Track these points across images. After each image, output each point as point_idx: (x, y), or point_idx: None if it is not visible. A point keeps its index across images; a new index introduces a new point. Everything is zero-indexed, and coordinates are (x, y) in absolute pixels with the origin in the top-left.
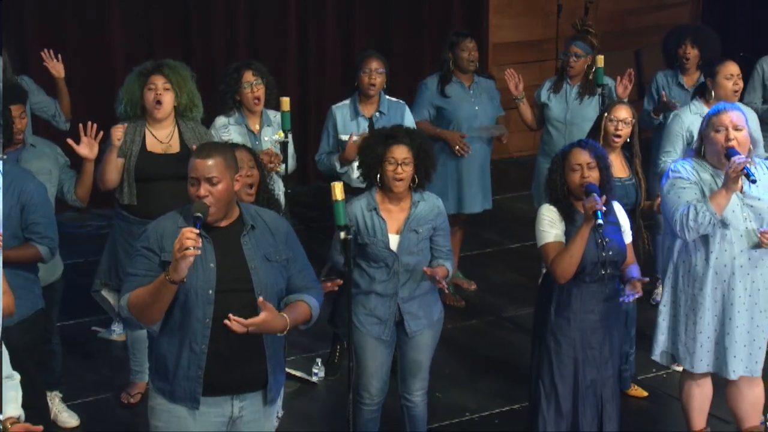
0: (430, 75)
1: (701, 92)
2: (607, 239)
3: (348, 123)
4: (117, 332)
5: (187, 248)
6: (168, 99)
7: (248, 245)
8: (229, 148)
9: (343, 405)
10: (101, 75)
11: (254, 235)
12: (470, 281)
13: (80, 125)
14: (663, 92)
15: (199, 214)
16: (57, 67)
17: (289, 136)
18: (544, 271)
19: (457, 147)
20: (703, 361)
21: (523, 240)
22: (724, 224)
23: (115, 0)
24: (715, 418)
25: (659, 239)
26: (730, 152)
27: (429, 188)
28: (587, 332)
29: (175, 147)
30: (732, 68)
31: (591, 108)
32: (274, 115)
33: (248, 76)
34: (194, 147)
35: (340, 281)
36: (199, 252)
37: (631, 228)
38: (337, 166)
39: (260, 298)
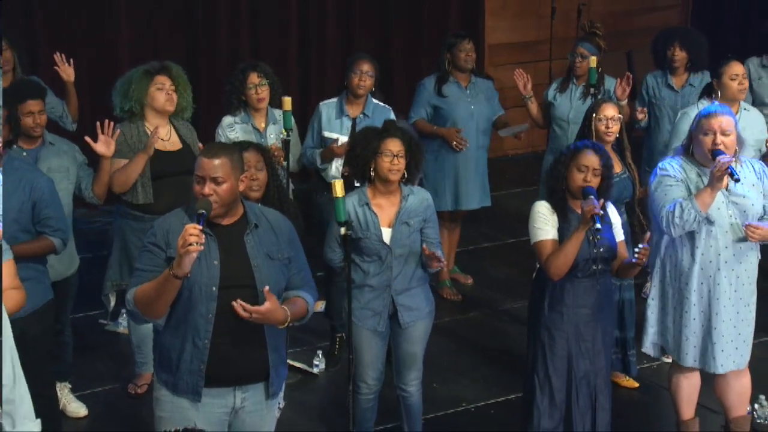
0: (428, 75)
1: (708, 92)
2: (598, 237)
3: (332, 121)
4: (124, 325)
5: (190, 244)
6: (176, 98)
7: (251, 243)
8: (237, 149)
9: (343, 395)
10: (106, 75)
11: (257, 234)
12: (467, 275)
13: (97, 123)
14: (637, 109)
15: (202, 211)
16: (67, 71)
17: (291, 134)
18: (538, 266)
19: (455, 142)
20: (689, 355)
21: (519, 236)
22: (710, 221)
23: (122, 2)
24: (704, 408)
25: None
26: (715, 153)
27: (427, 185)
28: (580, 326)
29: (176, 144)
30: (736, 68)
31: None
32: (279, 114)
33: (253, 78)
34: (201, 146)
35: None
36: (203, 248)
37: (630, 219)
38: (318, 161)
39: (266, 288)
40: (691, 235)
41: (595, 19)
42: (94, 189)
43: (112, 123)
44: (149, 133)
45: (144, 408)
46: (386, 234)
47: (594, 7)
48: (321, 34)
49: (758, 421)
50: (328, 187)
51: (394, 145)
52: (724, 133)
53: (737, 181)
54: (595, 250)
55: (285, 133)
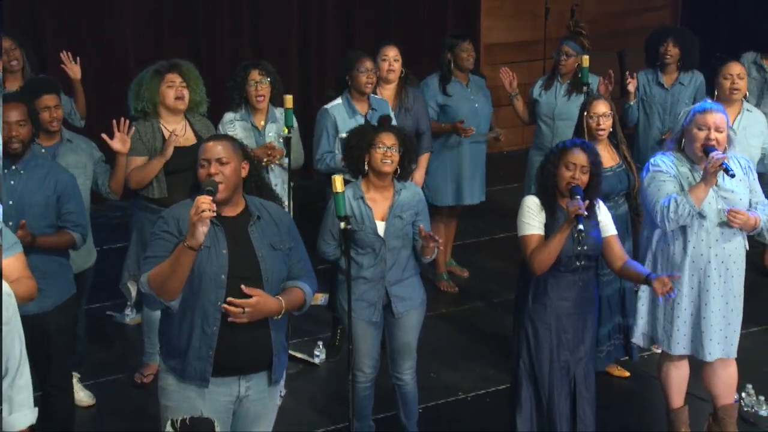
0: (429, 75)
1: (711, 93)
2: (583, 235)
3: (347, 121)
4: (130, 316)
5: (203, 210)
6: (187, 95)
7: (255, 234)
8: (234, 138)
9: (343, 385)
10: (112, 73)
11: (260, 225)
12: (463, 268)
13: (113, 121)
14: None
15: (209, 188)
16: (74, 69)
17: (293, 131)
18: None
19: (463, 134)
20: (680, 344)
21: (513, 230)
22: (701, 215)
23: (127, 3)
24: (693, 396)
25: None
26: (708, 149)
27: (429, 181)
28: (562, 318)
29: (191, 139)
30: (732, 68)
31: (577, 105)
32: (280, 112)
33: (254, 75)
34: None
35: None
36: (214, 213)
37: (630, 211)
38: (341, 164)
39: (242, 286)
40: (684, 229)
41: (580, 20)
42: (111, 185)
43: (127, 121)
44: (164, 130)
45: (150, 397)
46: (380, 227)
47: (587, 7)
48: (321, 34)
49: (745, 409)
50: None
51: (388, 139)
52: (717, 130)
53: (732, 176)
54: (579, 248)
55: (286, 131)
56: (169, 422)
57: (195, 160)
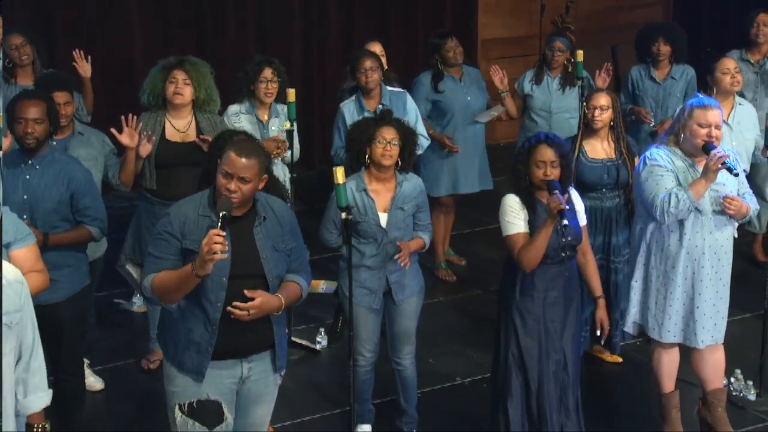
0: (423, 72)
1: (703, 88)
2: (566, 226)
3: (355, 118)
4: (137, 304)
5: (215, 252)
6: (187, 92)
7: (260, 236)
8: (266, 151)
9: (344, 370)
10: (120, 68)
11: (265, 226)
12: (460, 258)
13: (122, 117)
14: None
15: (224, 213)
16: (85, 68)
17: (295, 124)
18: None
19: (447, 149)
20: (671, 332)
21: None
22: (698, 209)
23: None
24: (683, 381)
25: None
26: (708, 146)
27: (425, 171)
28: (548, 307)
29: (192, 136)
30: (728, 63)
31: (572, 98)
32: (282, 108)
33: (267, 73)
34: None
35: None
36: (226, 256)
37: (625, 206)
38: None
39: (245, 291)
40: (681, 222)
41: (567, 16)
42: (121, 177)
43: (135, 117)
44: (167, 124)
45: (157, 382)
46: (383, 218)
47: (581, 4)
48: (323, 31)
49: (734, 393)
50: None
51: (388, 133)
52: (717, 127)
53: (737, 175)
54: (563, 239)
55: (288, 125)
56: (176, 407)
57: (185, 159)
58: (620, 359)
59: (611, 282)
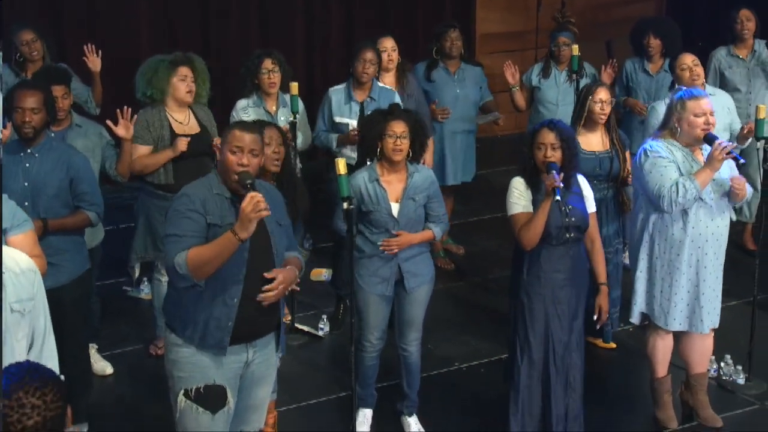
0: (420, 62)
1: (673, 85)
2: (570, 207)
3: (342, 106)
4: (145, 291)
5: (261, 210)
6: (194, 88)
7: None
8: (260, 128)
9: (346, 356)
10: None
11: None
12: (459, 246)
13: (117, 110)
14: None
15: (250, 181)
16: (95, 62)
17: (298, 117)
18: None
19: (439, 116)
20: (676, 320)
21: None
22: (700, 197)
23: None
24: (672, 365)
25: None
26: (709, 136)
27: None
28: (555, 289)
29: (194, 128)
30: (685, 59)
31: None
32: (289, 98)
33: (267, 63)
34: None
35: None
36: (270, 212)
37: (614, 197)
38: (333, 145)
39: (264, 274)
40: (684, 211)
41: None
42: (118, 168)
43: (129, 109)
44: (170, 119)
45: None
46: (394, 208)
47: None
48: (325, 26)
49: (724, 377)
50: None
51: (398, 127)
52: (711, 114)
53: (743, 165)
54: (567, 219)
55: (292, 116)
56: (182, 392)
57: (199, 148)
58: (614, 345)
59: (616, 264)
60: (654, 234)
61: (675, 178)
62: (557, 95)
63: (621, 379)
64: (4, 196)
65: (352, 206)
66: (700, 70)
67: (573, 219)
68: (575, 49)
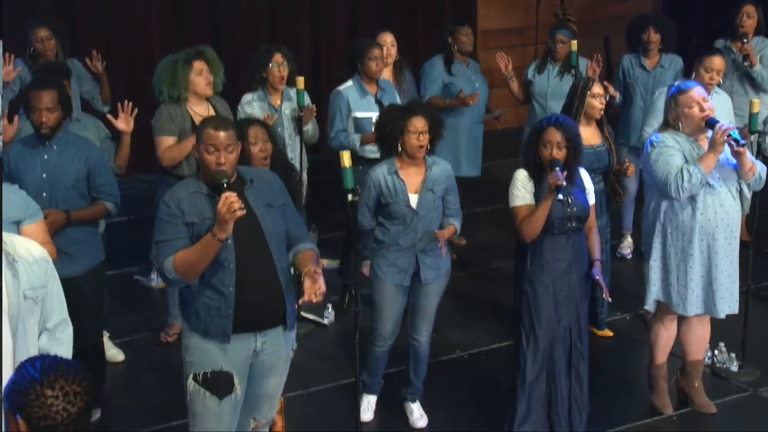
0: (430, 57)
1: (688, 75)
2: (572, 197)
3: (359, 101)
4: (156, 281)
5: (234, 210)
6: (212, 78)
7: (252, 197)
8: (230, 121)
9: (350, 344)
10: (139, 59)
11: (254, 188)
12: (461, 237)
13: (119, 104)
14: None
15: (225, 180)
16: (97, 66)
17: (304, 110)
18: None
19: (470, 102)
20: (694, 305)
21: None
22: (708, 183)
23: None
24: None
25: (626, 200)
26: (710, 121)
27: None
28: (558, 278)
29: None
30: (714, 62)
31: (568, 85)
32: (294, 92)
33: (277, 58)
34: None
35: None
36: (245, 212)
37: (606, 187)
38: (357, 144)
39: (303, 279)
40: (692, 198)
41: (566, 8)
42: (116, 161)
43: (130, 103)
44: (192, 114)
45: (174, 354)
46: (413, 200)
47: None
48: (330, 22)
49: (718, 365)
50: (361, 161)
51: (419, 123)
52: (704, 100)
53: (743, 146)
54: (569, 210)
55: (298, 110)
56: (191, 376)
57: None
58: (611, 333)
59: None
60: (665, 222)
61: (680, 165)
62: (547, 89)
63: (617, 366)
64: (15, 187)
65: (356, 198)
66: (719, 79)
67: (575, 209)
68: (574, 44)
